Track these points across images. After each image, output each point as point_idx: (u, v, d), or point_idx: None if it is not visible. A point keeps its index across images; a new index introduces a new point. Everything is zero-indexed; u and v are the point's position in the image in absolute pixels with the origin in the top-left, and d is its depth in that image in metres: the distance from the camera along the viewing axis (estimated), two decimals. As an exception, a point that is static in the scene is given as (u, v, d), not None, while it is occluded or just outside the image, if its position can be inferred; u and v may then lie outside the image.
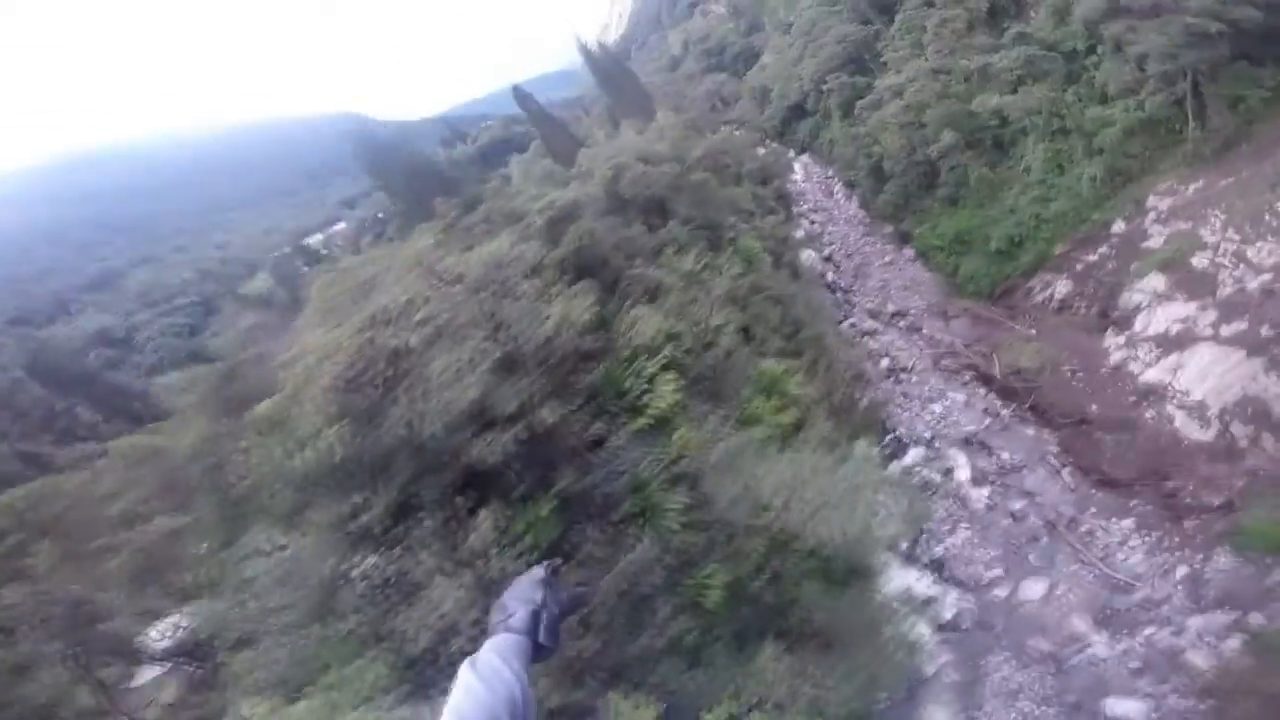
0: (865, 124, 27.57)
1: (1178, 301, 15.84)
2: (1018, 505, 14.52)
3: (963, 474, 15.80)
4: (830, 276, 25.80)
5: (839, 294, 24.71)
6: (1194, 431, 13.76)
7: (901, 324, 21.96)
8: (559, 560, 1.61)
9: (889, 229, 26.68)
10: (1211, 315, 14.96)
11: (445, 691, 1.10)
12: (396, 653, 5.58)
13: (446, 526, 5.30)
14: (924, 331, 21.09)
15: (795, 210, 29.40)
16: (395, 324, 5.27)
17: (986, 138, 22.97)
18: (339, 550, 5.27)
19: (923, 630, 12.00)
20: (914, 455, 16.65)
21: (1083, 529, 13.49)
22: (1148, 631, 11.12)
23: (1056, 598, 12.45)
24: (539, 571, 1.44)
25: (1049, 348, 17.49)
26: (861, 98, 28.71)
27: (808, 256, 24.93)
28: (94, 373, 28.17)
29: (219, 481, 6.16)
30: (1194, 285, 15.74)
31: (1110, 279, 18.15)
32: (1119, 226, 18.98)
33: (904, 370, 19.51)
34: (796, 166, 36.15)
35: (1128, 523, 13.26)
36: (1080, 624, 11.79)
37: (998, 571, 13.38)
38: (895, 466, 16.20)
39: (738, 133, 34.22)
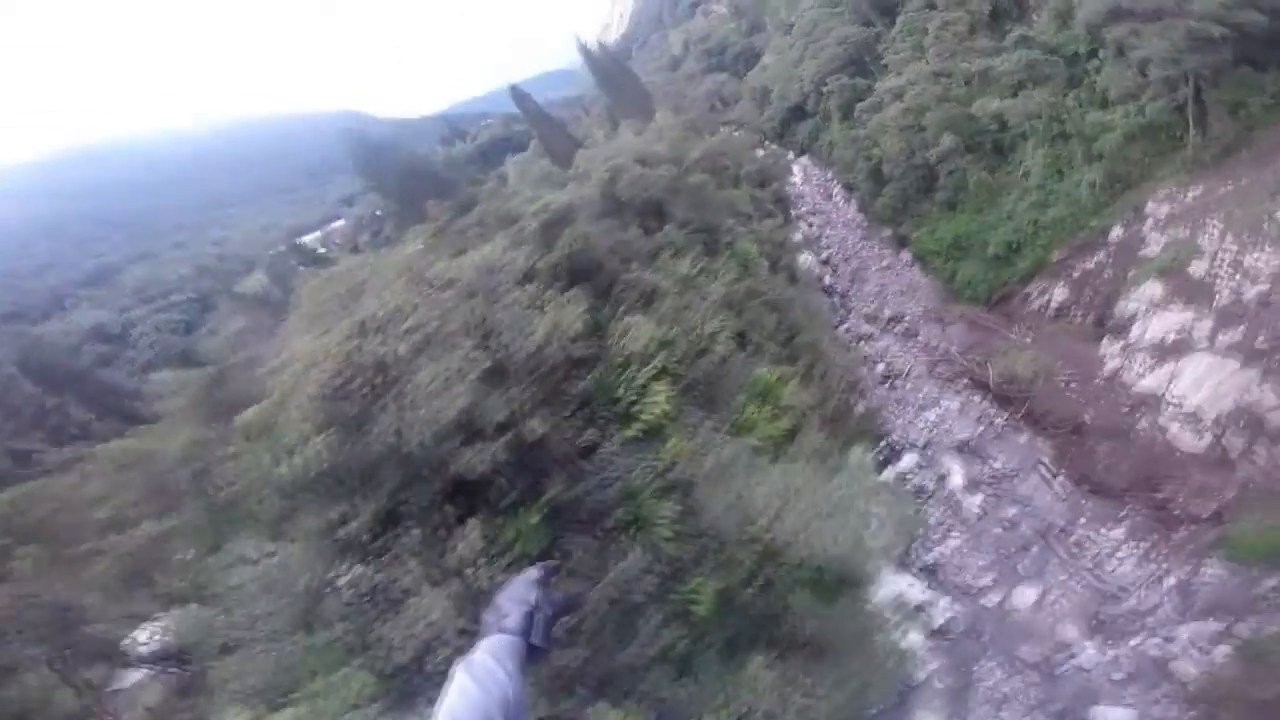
0: (865, 126, 27.53)
1: (1174, 310, 15.84)
2: (1010, 513, 14.56)
3: (956, 481, 15.84)
4: (827, 280, 25.81)
5: (836, 298, 24.72)
6: (1187, 441, 13.78)
7: (898, 329, 21.97)
8: (554, 561, 1.60)
9: (887, 232, 26.67)
10: (1208, 324, 14.96)
11: (431, 701, 1.08)
12: (382, 661, 5.55)
13: (433, 536, 5.26)
14: (920, 337, 21.10)
15: (793, 213, 29.38)
16: (382, 332, 5.23)
17: (986, 142, 22.95)
18: (325, 558, 5.23)
19: (914, 637, 12.04)
20: (908, 461, 16.68)
21: (1074, 537, 13.54)
22: (1136, 640, 11.20)
23: (1047, 605, 12.51)
24: (533, 573, 1.43)
25: (1044, 355, 17.50)
26: (861, 100, 28.66)
27: (805, 260, 24.92)
28: (86, 370, 28.05)
29: (206, 487, 6.12)
30: (1191, 293, 15.74)
31: (1107, 286, 18.15)
32: (1117, 233, 18.97)
33: (899, 376, 19.53)
34: (795, 168, 36.12)
35: (1119, 531, 13.31)
36: (1070, 632, 11.85)
37: (989, 579, 13.43)
38: (889, 472, 16.24)
39: (737, 134, 34.17)
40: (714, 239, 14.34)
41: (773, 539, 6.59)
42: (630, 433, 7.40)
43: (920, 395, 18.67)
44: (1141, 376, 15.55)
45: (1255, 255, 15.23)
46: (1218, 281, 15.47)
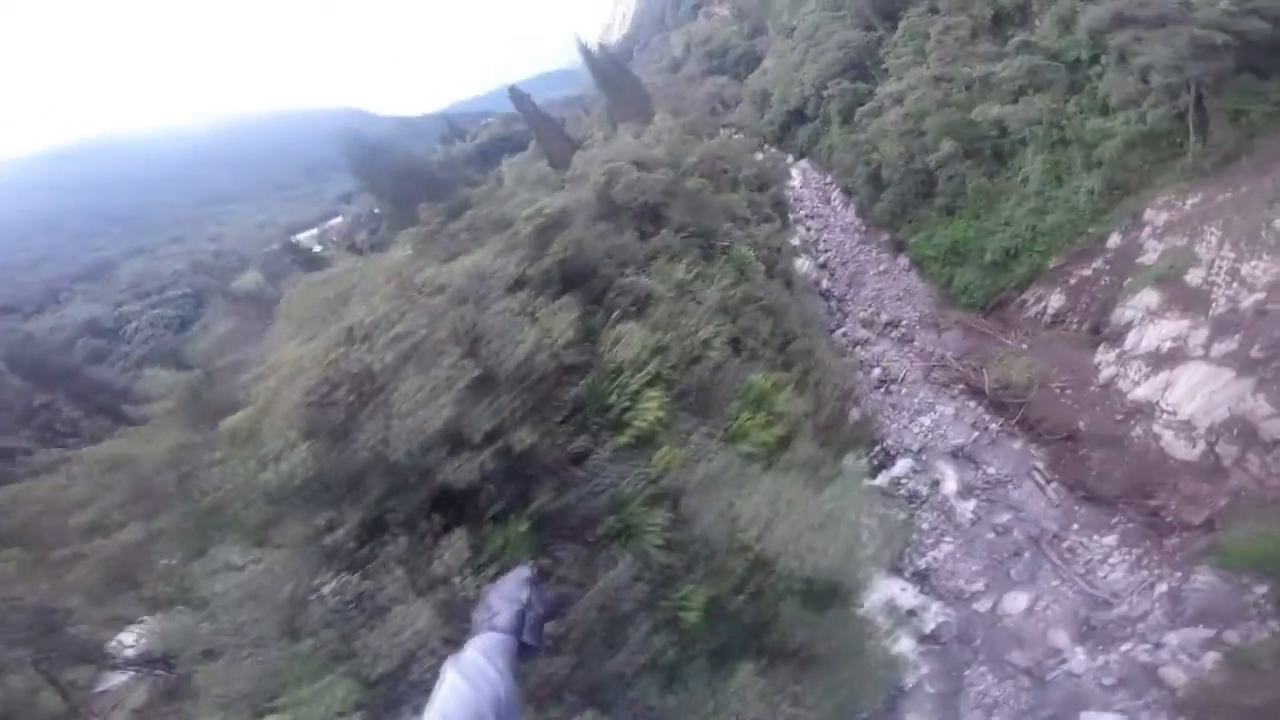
0: (865, 131, 27.52)
1: (1170, 319, 15.86)
2: (1003, 519, 14.58)
3: (950, 486, 15.85)
4: (825, 284, 25.82)
5: (833, 302, 24.73)
6: (1180, 450, 13.80)
7: (894, 334, 21.98)
8: (545, 560, 1.59)
9: (885, 237, 26.68)
10: (1203, 333, 14.98)
11: (417, 710, 1.06)
12: (367, 669, 5.51)
13: (419, 544, 5.22)
14: (916, 343, 21.11)
15: (792, 217, 29.39)
16: (368, 340, 5.17)
17: (985, 147, 22.95)
18: (310, 566, 5.19)
19: (905, 643, 12.06)
20: (902, 466, 16.69)
21: (1066, 544, 13.57)
22: (1126, 647, 11.25)
23: (1038, 612, 12.54)
24: (524, 571, 1.42)
25: (1040, 362, 17.52)
26: (862, 104, 28.66)
27: (802, 264, 24.91)
28: (76, 367, 27.87)
29: (191, 492, 6.07)
30: (1187, 302, 15.76)
31: (1104, 294, 18.17)
32: (1114, 240, 18.99)
33: (895, 381, 19.54)
34: (794, 172, 36.13)
35: (1110, 539, 13.35)
36: (1060, 638, 11.89)
37: (981, 585, 13.45)
38: (883, 477, 16.26)
39: (736, 137, 34.19)
40: (710, 243, 14.31)
41: (763, 549, 6.57)
42: (622, 440, 7.36)
43: (915, 400, 18.69)
44: (1136, 384, 15.57)
45: (1253, 264, 15.26)
46: (1214, 290, 15.49)
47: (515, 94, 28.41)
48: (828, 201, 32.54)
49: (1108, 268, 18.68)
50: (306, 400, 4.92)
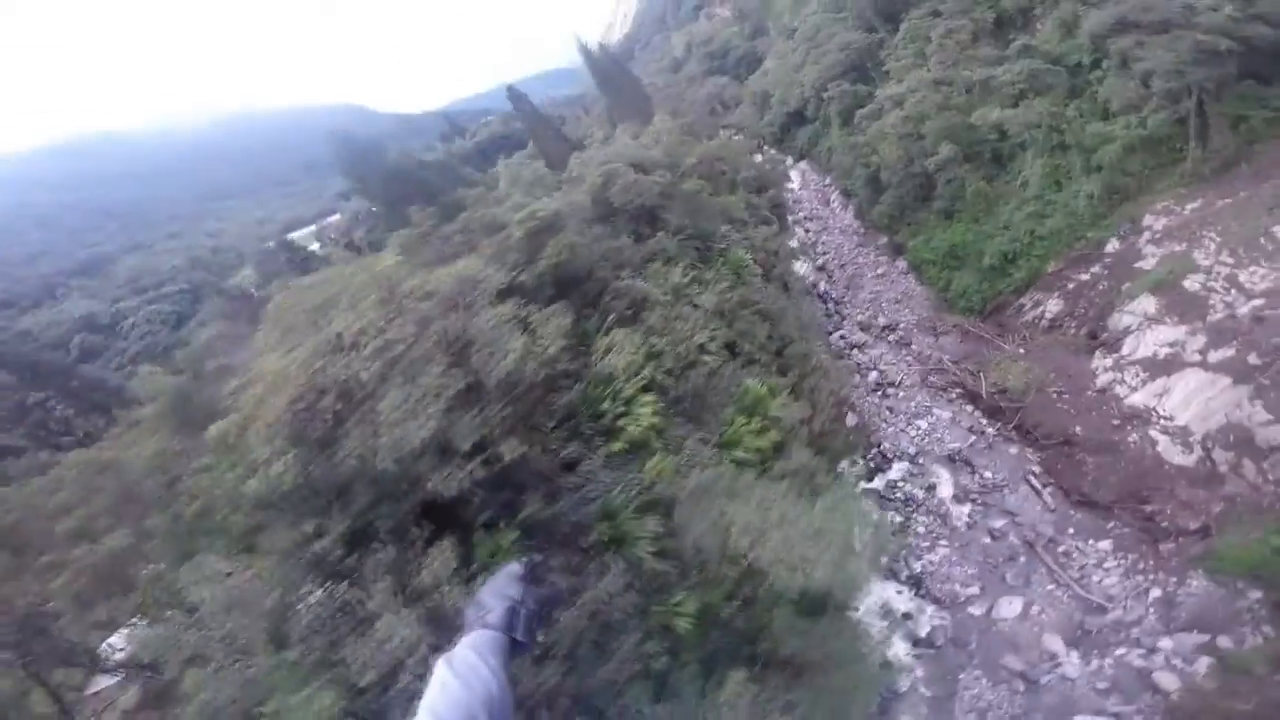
0: (864, 133, 27.46)
1: (1167, 325, 15.83)
2: (998, 524, 14.56)
3: (945, 491, 15.82)
4: (823, 286, 25.78)
5: (830, 304, 24.68)
6: (1176, 456, 13.78)
7: (891, 338, 21.94)
8: (537, 556, 1.55)
9: (883, 240, 26.63)
10: (1200, 340, 14.96)
11: (401, 717, 1.02)
12: (354, 677, 5.46)
13: (406, 554, 5.17)
14: (913, 346, 21.07)
15: (790, 218, 29.32)
16: (350, 352, 5.11)
17: (985, 151, 22.89)
18: (295, 575, 5.14)
19: (899, 647, 12.06)
20: (898, 470, 16.66)
21: (1061, 549, 13.56)
22: (1119, 652, 11.25)
23: (1031, 616, 12.53)
24: (516, 567, 1.39)
25: (1036, 367, 17.48)
26: (862, 106, 28.59)
27: (800, 267, 24.85)
28: (69, 365, 27.70)
29: (176, 498, 6.00)
30: (1185, 308, 15.73)
31: (1101, 299, 18.13)
32: (1113, 246, 18.95)
33: (892, 385, 19.50)
34: (794, 174, 36.07)
35: (1105, 544, 13.34)
36: (1054, 643, 11.88)
37: (975, 589, 13.43)
38: (879, 480, 16.23)
39: (736, 138, 34.10)
40: (707, 246, 14.24)
41: (755, 559, 6.53)
42: (615, 446, 7.31)
43: (912, 404, 18.65)
44: (1133, 390, 15.54)
45: (1251, 270, 15.23)
46: (1212, 296, 15.47)
47: (513, 93, 28.30)
48: (827, 203, 32.49)
49: (1106, 273, 18.64)
50: (291, 409, 4.86)
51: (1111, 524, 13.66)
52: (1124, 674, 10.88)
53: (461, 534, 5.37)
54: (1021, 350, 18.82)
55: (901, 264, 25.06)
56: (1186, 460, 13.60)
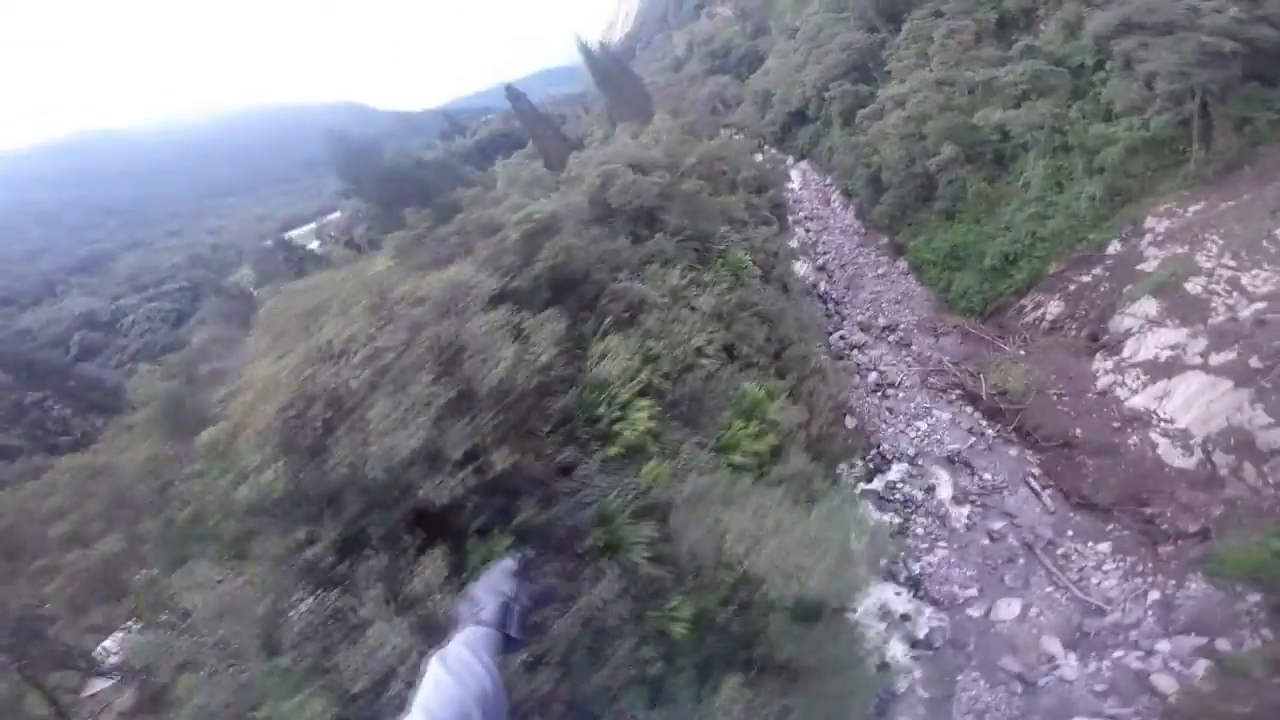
0: (865, 133, 27.36)
1: (1168, 327, 15.76)
2: (997, 525, 14.52)
3: (944, 492, 15.78)
4: (823, 287, 25.71)
5: (830, 305, 24.61)
6: (1176, 459, 13.73)
7: (891, 338, 21.87)
8: (530, 551, 1.53)
9: (884, 240, 26.54)
10: (1201, 343, 14.89)
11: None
12: (346, 685, 5.44)
13: (397, 561, 5.14)
14: (914, 347, 21.00)
15: (791, 218, 29.23)
16: (340, 360, 5.07)
17: (987, 152, 22.80)
18: (286, 582, 5.11)
19: (897, 648, 12.04)
20: (897, 471, 16.62)
21: (1060, 551, 13.53)
22: (1117, 654, 11.24)
23: (1030, 618, 12.51)
24: (509, 563, 1.38)
25: (1037, 369, 17.42)
26: (863, 106, 28.49)
27: (800, 267, 24.78)
28: (67, 364, 27.64)
29: (168, 503, 5.98)
30: (1186, 311, 15.67)
31: (1102, 301, 18.06)
32: (1115, 247, 18.87)
33: (892, 385, 19.45)
34: (794, 173, 35.97)
35: (1104, 546, 13.31)
36: (1052, 645, 11.87)
37: (973, 590, 13.41)
38: (878, 481, 16.19)
39: (737, 137, 34.00)
40: (706, 247, 14.17)
41: (751, 566, 6.49)
42: (612, 451, 7.27)
43: (912, 405, 18.60)
44: (1134, 393, 15.48)
45: (1253, 273, 15.16)
46: (1214, 299, 15.40)
47: (511, 93, 28.19)
48: (827, 203, 32.39)
49: (1107, 275, 18.57)
50: (281, 416, 4.83)
51: (1111, 526, 13.62)
52: (1122, 676, 10.89)
53: (454, 541, 5.34)
54: (1022, 352, 18.75)
55: (902, 264, 24.99)
56: (1187, 463, 13.55)
